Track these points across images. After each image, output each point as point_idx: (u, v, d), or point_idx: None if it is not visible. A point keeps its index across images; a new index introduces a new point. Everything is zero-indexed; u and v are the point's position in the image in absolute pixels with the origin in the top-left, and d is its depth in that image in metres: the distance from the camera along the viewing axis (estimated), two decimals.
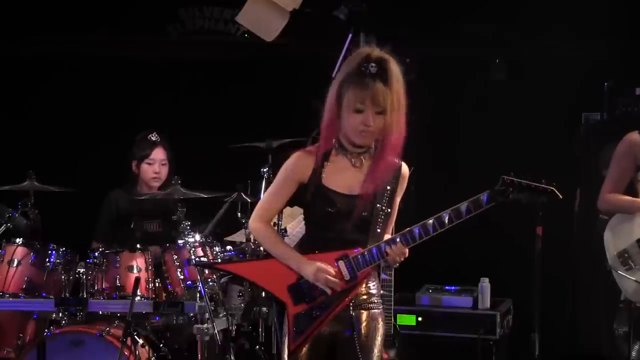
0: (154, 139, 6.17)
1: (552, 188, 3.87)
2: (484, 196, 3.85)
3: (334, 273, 3.85)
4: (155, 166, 6.15)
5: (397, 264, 3.92)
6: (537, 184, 3.86)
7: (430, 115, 7.04)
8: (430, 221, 3.85)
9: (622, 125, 6.24)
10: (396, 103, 3.83)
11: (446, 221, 3.84)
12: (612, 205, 5.31)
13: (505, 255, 6.63)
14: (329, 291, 3.86)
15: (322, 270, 3.85)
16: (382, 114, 3.83)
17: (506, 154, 6.53)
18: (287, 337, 3.89)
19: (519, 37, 6.87)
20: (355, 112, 3.83)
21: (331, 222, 3.89)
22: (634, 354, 5.93)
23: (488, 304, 6.34)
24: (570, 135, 6.49)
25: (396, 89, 3.84)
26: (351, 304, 3.92)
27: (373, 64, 3.83)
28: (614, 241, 5.29)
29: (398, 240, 3.85)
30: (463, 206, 3.85)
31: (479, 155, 6.55)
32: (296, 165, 3.94)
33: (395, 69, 3.86)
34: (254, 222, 4.02)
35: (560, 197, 3.87)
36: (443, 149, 6.91)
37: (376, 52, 3.89)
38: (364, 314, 3.94)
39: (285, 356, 3.90)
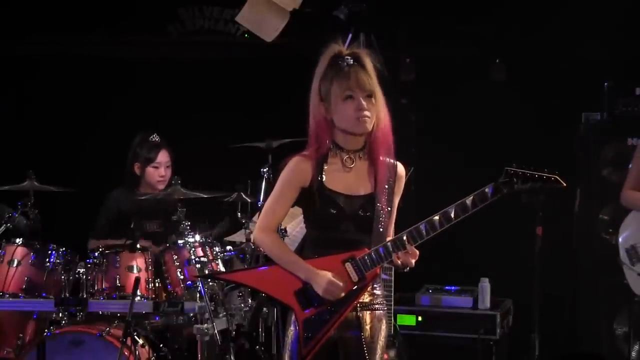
0: (157, 141, 6.15)
1: (555, 176, 3.85)
2: (489, 189, 3.83)
3: (342, 286, 3.82)
4: (161, 169, 6.13)
5: (408, 268, 3.88)
6: (541, 173, 3.85)
7: (430, 115, 7.05)
8: (437, 217, 3.82)
9: (622, 125, 6.27)
10: (378, 87, 3.86)
11: (452, 216, 3.81)
12: (630, 201, 5.63)
13: (505, 255, 6.63)
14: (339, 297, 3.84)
15: (333, 284, 3.81)
16: (371, 97, 3.84)
17: (506, 154, 6.49)
18: (298, 343, 3.85)
19: (519, 37, 6.86)
20: (346, 100, 3.83)
21: (334, 223, 3.87)
22: (634, 354, 5.94)
23: (488, 304, 6.34)
24: (570, 135, 6.48)
25: (375, 75, 3.86)
26: (358, 305, 3.90)
27: (348, 57, 3.86)
28: (626, 236, 5.50)
29: (405, 238, 3.82)
30: (468, 200, 3.82)
31: (479, 155, 6.54)
32: (296, 171, 3.91)
33: (368, 59, 3.89)
34: (259, 232, 3.96)
35: (565, 184, 3.84)
36: (443, 149, 6.91)
37: (345, 49, 3.91)
38: (369, 315, 3.92)
39: None
